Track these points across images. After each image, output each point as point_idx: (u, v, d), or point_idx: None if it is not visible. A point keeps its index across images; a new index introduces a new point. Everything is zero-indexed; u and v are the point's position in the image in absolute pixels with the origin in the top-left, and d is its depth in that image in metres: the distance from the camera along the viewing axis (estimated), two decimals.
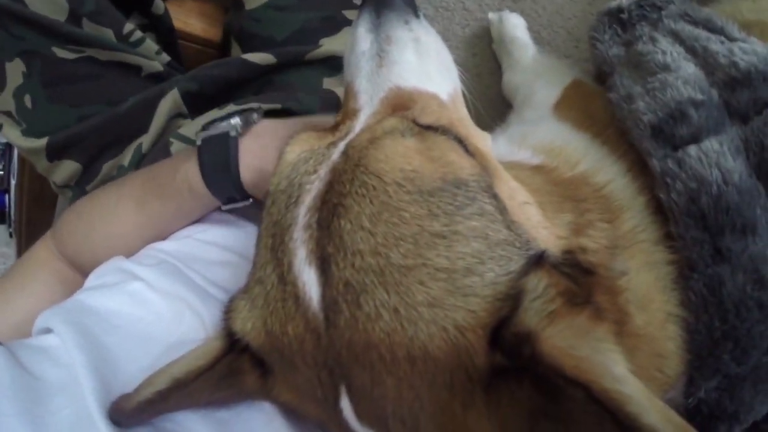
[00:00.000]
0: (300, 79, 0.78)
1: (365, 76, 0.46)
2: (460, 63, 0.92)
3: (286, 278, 0.39)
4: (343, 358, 0.36)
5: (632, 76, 0.59)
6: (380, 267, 0.34)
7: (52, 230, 0.67)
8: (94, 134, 0.74)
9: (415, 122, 0.42)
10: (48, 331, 0.47)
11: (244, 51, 0.83)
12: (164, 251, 0.59)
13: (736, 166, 0.48)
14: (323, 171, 0.40)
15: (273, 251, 0.41)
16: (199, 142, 0.58)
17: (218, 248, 0.60)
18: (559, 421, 0.31)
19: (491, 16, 0.90)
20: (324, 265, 0.36)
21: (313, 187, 0.40)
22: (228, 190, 0.58)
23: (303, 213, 0.39)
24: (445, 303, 0.33)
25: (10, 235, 2.04)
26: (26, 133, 0.75)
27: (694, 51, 0.58)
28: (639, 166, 0.54)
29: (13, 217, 1.91)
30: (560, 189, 0.51)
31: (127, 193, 0.62)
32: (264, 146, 0.57)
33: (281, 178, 0.43)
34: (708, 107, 0.51)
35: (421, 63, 0.47)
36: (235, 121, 0.58)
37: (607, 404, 0.27)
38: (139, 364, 0.45)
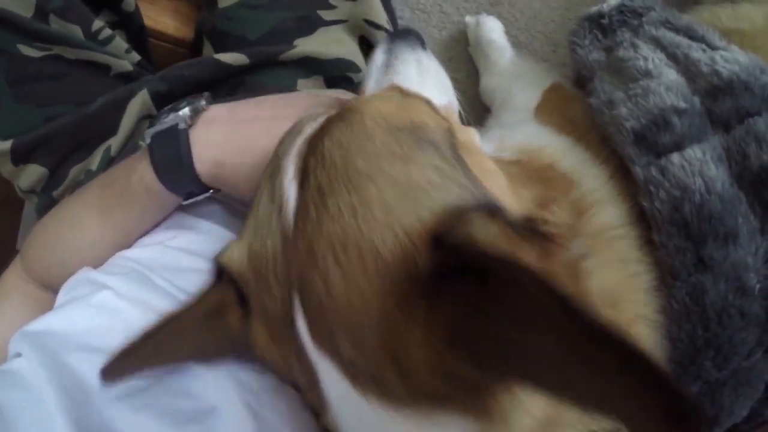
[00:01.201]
0: (273, 80, 0.76)
1: (373, 81, 0.54)
2: None
3: (275, 197, 0.41)
4: (302, 263, 0.37)
5: (613, 82, 0.59)
6: (347, 173, 0.37)
7: (20, 254, 0.65)
8: (62, 136, 0.71)
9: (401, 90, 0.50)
10: (19, 355, 0.47)
11: (217, 50, 0.80)
12: (133, 259, 0.57)
13: (718, 175, 0.49)
14: (322, 118, 0.45)
15: (270, 178, 0.43)
16: (148, 140, 0.56)
17: (189, 255, 0.58)
18: (502, 319, 0.28)
19: (468, 19, 0.89)
20: (304, 176, 0.39)
21: (313, 126, 0.44)
22: (185, 186, 0.56)
23: (299, 142, 0.43)
24: (398, 208, 0.35)
25: None
26: None
27: (675, 58, 0.58)
28: (621, 173, 0.53)
29: None
30: (532, 173, 0.53)
31: (89, 203, 0.60)
32: (217, 134, 0.56)
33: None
34: (691, 115, 0.51)
35: (420, 77, 0.54)
36: (183, 112, 0.56)
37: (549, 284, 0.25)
38: None
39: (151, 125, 0.57)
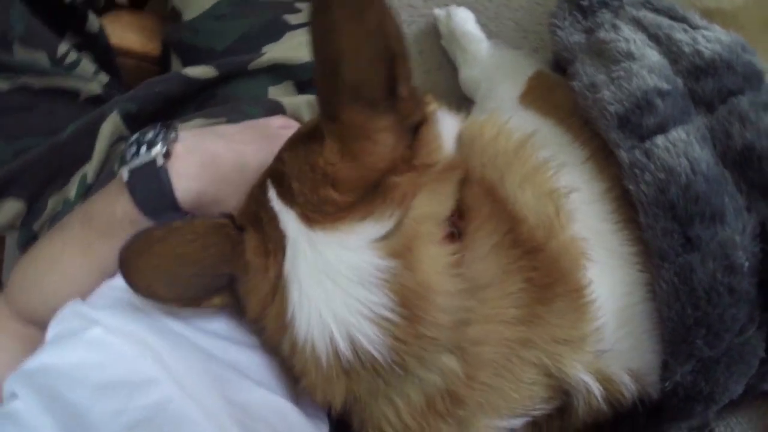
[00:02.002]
0: (244, 91, 0.77)
1: None
2: None
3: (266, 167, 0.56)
4: (274, 163, 0.53)
5: (595, 64, 0.59)
6: None
7: (3, 293, 0.64)
8: (35, 168, 0.70)
9: None
10: (15, 396, 0.47)
11: (185, 64, 0.80)
12: (120, 288, 0.57)
13: (703, 155, 0.49)
14: None
15: None
16: (125, 177, 0.56)
17: None
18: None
19: (438, 12, 0.88)
20: None
21: None
22: (168, 216, 0.57)
23: None
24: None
25: None
26: None
27: (657, 39, 0.58)
28: (602, 155, 0.53)
29: None
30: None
31: (70, 239, 0.60)
32: (194, 165, 0.57)
33: None
34: (674, 96, 0.52)
35: None
36: (158, 148, 0.57)
37: None
38: (108, 410, 0.45)
39: (124, 159, 0.58)
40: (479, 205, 0.48)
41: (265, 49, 0.77)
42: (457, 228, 0.48)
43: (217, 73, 0.75)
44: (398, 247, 0.45)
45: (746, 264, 0.48)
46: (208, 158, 0.58)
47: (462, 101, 0.83)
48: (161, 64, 0.89)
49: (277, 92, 0.77)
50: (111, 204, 0.58)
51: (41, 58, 0.71)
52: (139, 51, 0.87)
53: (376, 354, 0.44)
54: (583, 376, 0.47)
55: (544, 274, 0.46)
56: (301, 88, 0.79)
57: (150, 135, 0.58)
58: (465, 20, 0.83)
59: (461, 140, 0.53)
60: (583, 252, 0.49)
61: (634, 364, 0.49)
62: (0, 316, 0.63)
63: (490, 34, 0.86)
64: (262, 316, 0.51)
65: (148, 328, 0.52)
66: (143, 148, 0.57)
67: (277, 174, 0.51)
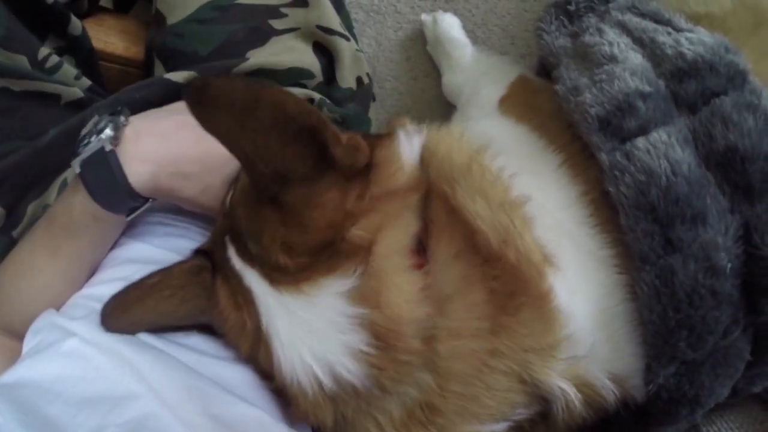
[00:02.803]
0: None
1: None
2: (394, 67, 0.93)
3: (224, 206, 0.57)
4: (230, 213, 0.53)
5: (579, 68, 0.59)
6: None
7: None
8: (15, 174, 0.69)
9: None
10: None
11: (168, 69, 0.79)
12: (95, 297, 0.57)
13: (684, 157, 0.49)
14: None
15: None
16: (78, 169, 0.55)
17: None
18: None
19: (424, 17, 0.88)
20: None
21: None
22: (125, 204, 0.57)
23: None
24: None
25: None
26: None
27: (641, 42, 0.58)
28: (582, 158, 0.53)
29: None
30: None
31: (37, 245, 0.60)
32: (147, 146, 0.56)
33: None
34: (655, 99, 0.52)
35: None
36: (105, 133, 0.55)
37: None
38: (88, 426, 0.45)
39: (76, 153, 0.56)
40: (438, 218, 0.49)
41: (249, 54, 0.76)
42: (422, 243, 0.49)
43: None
44: (366, 293, 0.46)
45: (729, 266, 0.47)
46: (160, 137, 0.57)
47: (448, 108, 0.83)
48: (145, 68, 0.88)
49: None
50: (69, 201, 0.58)
51: (21, 61, 0.71)
52: (123, 55, 0.86)
53: (356, 382, 0.46)
54: (558, 382, 0.47)
55: (505, 283, 0.47)
56: None
57: (101, 124, 0.57)
58: (451, 26, 0.84)
59: (423, 155, 0.54)
60: (545, 258, 0.49)
61: (615, 367, 0.49)
62: None
63: (477, 40, 0.86)
64: (252, 358, 0.54)
65: (126, 341, 0.52)
66: (93, 137, 0.56)
67: (233, 231, 0.52)
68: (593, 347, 0.48)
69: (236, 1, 0.76)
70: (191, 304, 0.54)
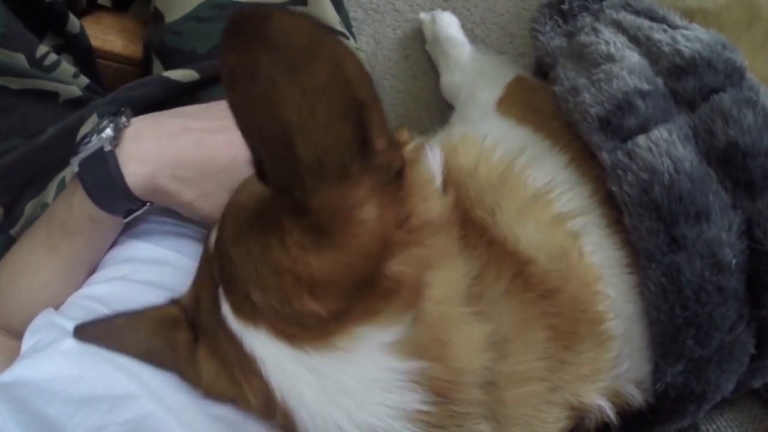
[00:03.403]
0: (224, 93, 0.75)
1: None
2: (392, 66, 0.92)
3: (205, 245, 0.49)
4: (218, 260, 0.44)
5: (576, 68, 0.59)
6: (230, 200, 0.47)
7: None
8: (13, 172, 0.69)
9: None
10: None
11: (166, 67, 0.78)
12: (93, 297, 0.57)
13: (686, 154, 0.49)
14: None
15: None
16: (76, 168, 0.55)
17: (154, 288, 0.58)
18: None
19: (423, 16, 0.88)
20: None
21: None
22: (122, 206, 0.57)
23: None
24: (254, 190, 0.41)
25: None
26: None
27: (637, 40, 0.58)
28: (584, 157, 0.53)
29: None
30: None
31: (36, 243, 0.60)
32: (146, 149, 0.56)
33: None
34: (654, 96, 0.52)
35: None
36: (106, 133, 0.55)
37: None
38: (86, 425, 0.45)
39: (76, 152, 0.56)
40: (479, 251, 0.43)
41: None
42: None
43: (198, 76, 0.73)
44: (424, 344, 0.38)
45: (734, 261, 0.48)
46: (160, 140, 0.56)
47: (446, 107, 0.83)
48: (143, 67, 0.87)
49: None
50: (68, 201, 0.57)
51: (19, 59, 0.70)
52: (121, 54, 0.86)
53: None
54: (599, 401, 0.46)
55: (568, 319, 0.43)
56: None
57: (103, 123, 0.57)
58: (449, 25, 0.83)
59: (446, 173, 0.46)
60: (599, 277, 0.46)
61: (635, 374, 0.49)
62: None
63: (476, 39, 0.86)
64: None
65: None
66: (93, 137, 0.56)
67: (227, 278, 0.42)
68: (627, 363, 0.48)
69: None
70: (158, 356, 0.49)
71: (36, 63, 0.72)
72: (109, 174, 0.54)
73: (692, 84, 0.52)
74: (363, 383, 0.38)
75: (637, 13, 0.62)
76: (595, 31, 0.60)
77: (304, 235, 0.35)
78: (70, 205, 0.57)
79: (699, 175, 0.48)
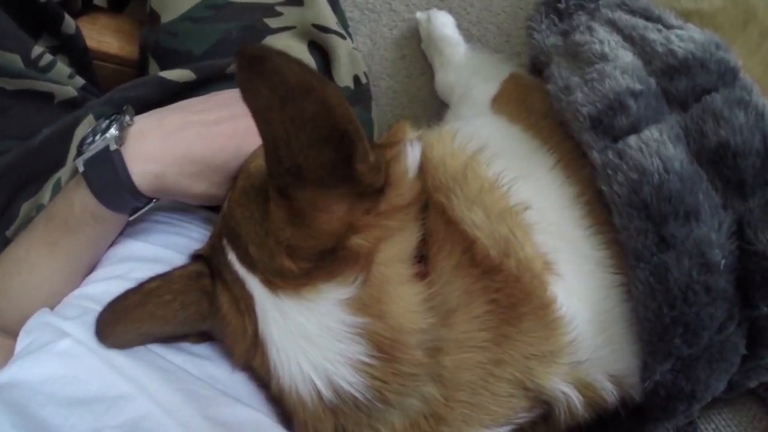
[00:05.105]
0: None
1: None
2: (388, 66, 0.94)
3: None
4: (227, 215, 0.54)
5: (570, 67, 0.60)
6: (244, 165, 0.58)
7: None
8: (8, 173, 0.70)
9: None
10: None
11: (162, 68, 0.79)
12: (89, 296, 0.58)
13: (676, 154, 0.49)
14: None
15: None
16: (81, 168, 0.56)
17: None
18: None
19: (419, 15, 0.89)
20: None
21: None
22: (128, 204, 0.58)
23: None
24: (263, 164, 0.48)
25: None
26: None
27: (632, 39, 0.59)
28: (574, 158, 0.54)
29: None
30: None
31: (35, 240, 0.61)
32: (151, 146, 0.57)
33: None
34: (646, 96, 0.52)
35: None
36: (111, 132, 0.56)
37: None
38: (81, 427, 0.45)
39: (80, 151, 0.57)
40: (437, 229, 0.49)
41: None
42: (423, 254, 0.49)
43: (195, 76, 0.74)
44: (367, 302, 0.46)
45: (723, 262, 0.48)
46: (164, 137, 0.57)
47: (443, 106, 0.84)
48: (138, 68, 0.88)
49: None
50: (69, 199, 0.58)
51: (15, 60, 0.71)
52: (117, 54, 0.87)
53: (357, 394, 0.46)
54: (560, 386, 0.48)
55: (507, 294, 0.48)
56: None
57: (105, 122, 0.57)
58: (444, 24, 0.84)
59: (421, 161, 0.54)
60: (547, 267, 0.49)
61: (614, 368, 0.50)
62: None
63: (473, 38, 0.87)
64: (248, 365, 0.53)
65: None
66: (98, 136, 0.56)
67: (232, 234, 0.52)
68: (594, 350, 0.49)
69: (232, 0, 0.77)
70: (192, 309, 0.53)
71: (31, 64, 0.73)
72: (116, 173, 0.54)
73: (685, 84, 0.53)
74: (321, 330, 0.47)
75: (632, 12, 0.63)
76: (590, 30, 0.61)
77: (284, 212, 0.46)
78: (71, 204, 0.58)
79: (689, 175, 0.49)
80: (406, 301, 0.46)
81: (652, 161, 0.49)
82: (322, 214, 0.45)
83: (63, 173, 0.70)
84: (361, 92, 0.86)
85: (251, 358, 0.52)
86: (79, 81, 0.79)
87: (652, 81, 0.54)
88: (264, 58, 0.37)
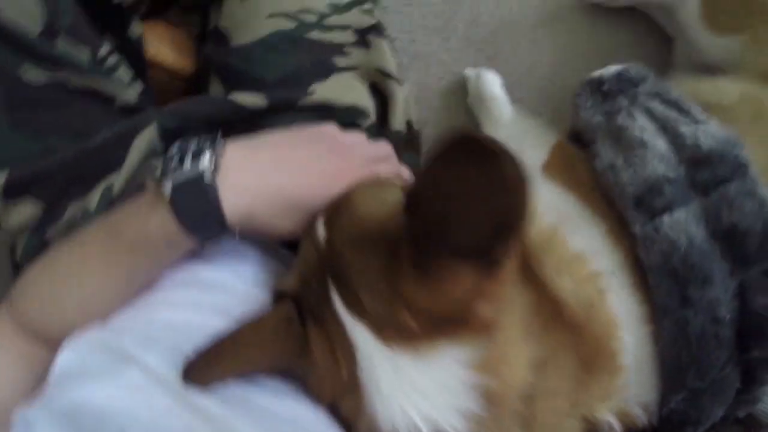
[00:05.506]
0: (288, 125, 0.70)
1: None
2: (432, 115, 1.01)
3: (310, 233, 0.57)
4: (329, 258, 0.53)
5: (614, 147, 0.73)
6: (346, 201, 0.58)
7: (8, 304, 0.60)
8: (59, 171, 0.66)
9: None
10: None
11: (228, 88, 0.78)
12: (156, 322, 0.56)
13: (697, 232, 0.63)
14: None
15: (308, 227, 0.59)
16: (168, 192, 0.53)
17: (219, 316, 0.57)
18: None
19: (469, 72, 0.96)
20: (328, 215, 0.57)
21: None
22: (214, 235, 0.56)
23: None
24: (379, 208, 0.53)
25: None
26: None
27: (665, 129, 0.72)
28: (617, 228, 0.68)
29: None
30: None
31: (92, 251, 0.57)
32: (244, 182, 0.55)
33: None
34: (677, 182, 0.66)
35: None
36: (205, 160, 0.53)
37: None
38: None
39: (165, 171, 0.54)
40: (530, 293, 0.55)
41: (312, 86, 0.77)
42: None
43: (267, 103, 0.73)
44: (488, 362, 0.48)
45: (728, 317, 0.63)
46: (258, 172, 0.56)
47: None
48: (193, 83, 0.86)
49: None
50: (143, 218, 0.55)
51: (84, 53, 0.69)
52: (171, 66, 0.85)
53: None
54: (609, 417, 0.61)
55: (589, 350, 0.56)
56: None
57: (194, 145, 0.55)
58: (493, 83, 0.94)
59: None
60: (616, 323, 0.59)
61: (643, 399, 0.64)
62: (5, 331, 0.59)
63: (515, 99, 0.95)
64: (334, 404, 0.53)
65: None
66: (187, 160, 0.53)
67: (338, 273, 0.51)
68: (633, 387, 0.63)
69: (306, 35, 0.77)
70: (283, 355, 0.53)
71: (98, 62, 0.71)
72: (207, 203, 0.53)
73: (707, 175, 0.67)
74: (435, 385, 0.48)
75: (667, 102, 0.76)
76: (631, 116, 0.75)
77: (417, 274, 0.46)
78: (145, 225, 0.55)
79: (706, 249, 0.63)
80: (520, 359, 0.51)
81: (680, 237, 0.63)
82: (453, 281, 0.45)
83: (116, 181, 0.68)
84: (412, 137, 0.89)
85: (340, 399, 0.52)
86: (138, 87, 0.77)
87: (682, 169, 0.68)
88: (487, 148, 0.37)
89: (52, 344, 0.52)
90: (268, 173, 0.57)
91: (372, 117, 0.82)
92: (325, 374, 0.52)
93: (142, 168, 0.69)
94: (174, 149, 0.56)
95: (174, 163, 0.54)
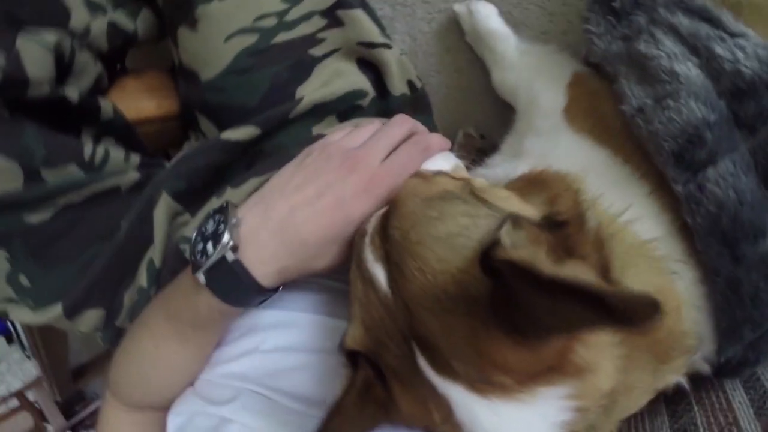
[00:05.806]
0: (289, 138, 0.76)
1: None
2: (434, 61, 0.91)
3: (366, 279, 0.53)
4: (405, 319, 0.49)
5: (640, 81, 0.64)
6: (407, 245, 0.50)
7: (110, 391, 0.69)
8: (107, 274, 0.73)
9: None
10: None
11: (216, 123, 0.79)
12: (236, 375, 0.61)
13: (747, 183, 0.57)
14: (378, 215, 0.58)
15: (357, 268, 0.55)
16: (202, 280, 0.56)
17: (287, 353, 0.63)
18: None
19: (457, 8, 0.84)
20: (385, 257, 0.52)
21: (373, 222, 0.57)
22: (257, 301, 0.59)
23: (368, 238, 0.55)
24: (448, 257, 0.48)
25: (28, 357, 2.22)
26: (35, 308, 0.72)
27: (696, 51, 0.62)
28: (661, 185, 0.61)
29: (23, 338, 1.99)
30: (535, 182, 0.64)
31: (161, 336, 0.63)
32: (267, 245, 0.56)
33: None
34: (719, 125, 0.58)
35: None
36: (224, 240, 0.55)
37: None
38: None
39: (196, 264, 0.56)
40: None
41: (298, 91, 0.76)
42: None
43: (260, 131, 0.74)
44: (585, 391, 0.48)
45: None
46: (277, 230, 0.57)
47: (498, 99, 0.84)
48: (182, 120, 0.87)
49: (321, 128, 0.78)
50: (192, 301, 0.59)
51: (72, 170, 0.72)
52: (157, 115, 0.85)
53: None
54: (680, 379, 0.61)
55: (665, 345, 0.56)
56: (343, 116, 0.79)
57: (211, 227, 0.57)
58: (488, 16, 0.81)
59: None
60: (684, 303, 0.58)
61: (705, 353, 0.63)
62: (117, 411, 0.68)
63: (515, 22, 0.84)
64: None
65: (282, 424, 0.55)
66: (209, 246, 0.56)
67: (425, 342, 0.49)
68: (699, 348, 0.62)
69: (272, 42, 0.75)
70: (374, 422, 0.53)
71: (88, 167, 0.73)
72: (239, 279, 0.55)
73: (753, 108, 0.59)
74: (537, 417, 0.48)
75: (690, 11, 0.66)
76: (655, 39, 0.65)
77: (508, 338, 0.44)
78: (195, 307, 0.59)
79: (758, 201, 0.58)
80: (611, 372, 0.50)
81: (729, 194, 0.57)
82: (550, 346, 0.45)
83: (154, 254, 0.73)
84: (418, 97, 0.85)
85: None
86: (135, 160, 0.79)
87: (722, 104, 0.60)
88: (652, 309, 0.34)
89: (157, 407, 0.64)
90: (286, 228, 0.57)
91: (371, 92, 0.81)
92: (411, 417, 0.52)
93: (171, 231, 0.74)
94: (195, 235, 0.59)
95: (199, 249, 0.57)
